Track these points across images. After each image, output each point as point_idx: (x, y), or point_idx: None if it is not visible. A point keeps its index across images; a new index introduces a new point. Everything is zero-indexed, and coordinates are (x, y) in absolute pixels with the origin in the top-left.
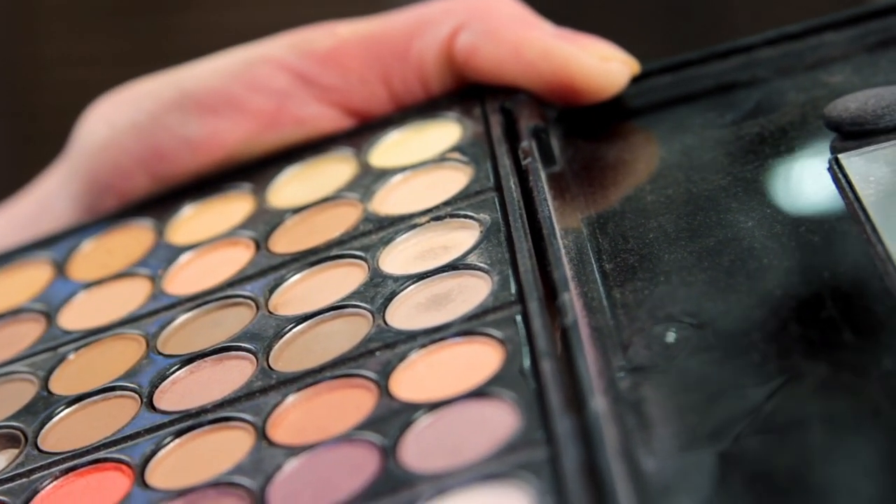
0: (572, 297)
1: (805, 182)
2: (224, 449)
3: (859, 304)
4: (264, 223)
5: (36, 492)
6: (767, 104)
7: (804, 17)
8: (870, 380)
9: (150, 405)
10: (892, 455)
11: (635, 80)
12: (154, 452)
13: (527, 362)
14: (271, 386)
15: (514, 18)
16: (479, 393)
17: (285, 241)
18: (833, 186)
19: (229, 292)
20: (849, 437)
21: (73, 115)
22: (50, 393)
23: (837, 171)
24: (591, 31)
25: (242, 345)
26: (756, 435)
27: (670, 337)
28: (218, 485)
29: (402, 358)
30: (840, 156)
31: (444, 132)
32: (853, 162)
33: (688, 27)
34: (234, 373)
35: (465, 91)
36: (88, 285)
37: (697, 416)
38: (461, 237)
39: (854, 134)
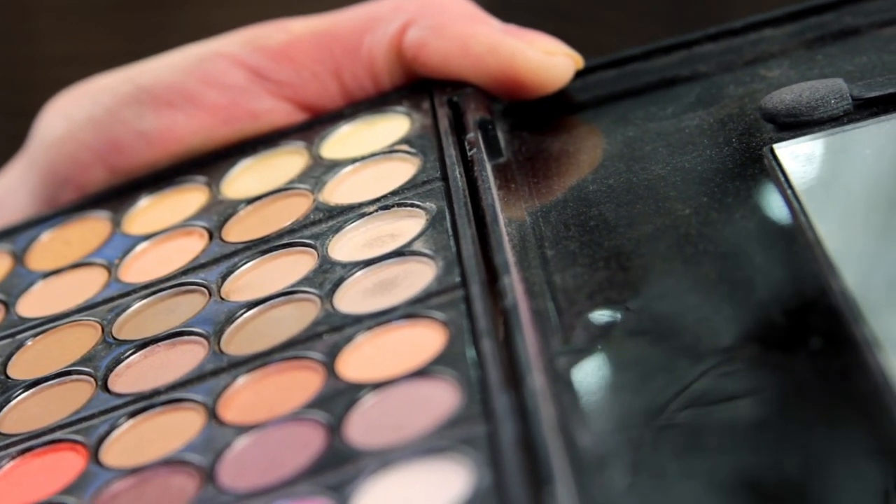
0: (513, 281)
1: (741, 171)
2: (176, 429)
3: (789, 288)
4: (218, 214)
5: None
6: (707, 97)
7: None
8: (797, 358)
9: (105, 388)
10: (814, 428)
11: (580, 75)
12: (108, 433)
13: (469, 342)
14: (222, 368)
15: (462, 15)
16: (421, 372)
17: (238, 231)
18: (768, 175)
19: (183, 280)
20: (776, 413)
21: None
22: (7, 377)
23: (772, 161)
24: (591, 17)
25: (195, 329)
26: (688, 409)
27: (607, 319)
28: (169, 462)
29: (349, 340)
30: (775, 146)
31: (394, 125)
32: (787, 151)
33: (688, 11)
34: (187, 356)
35: (415, 85)
36: (47, 275)
37: (632, 395)
38: (408, 225)
39: (789, 125)
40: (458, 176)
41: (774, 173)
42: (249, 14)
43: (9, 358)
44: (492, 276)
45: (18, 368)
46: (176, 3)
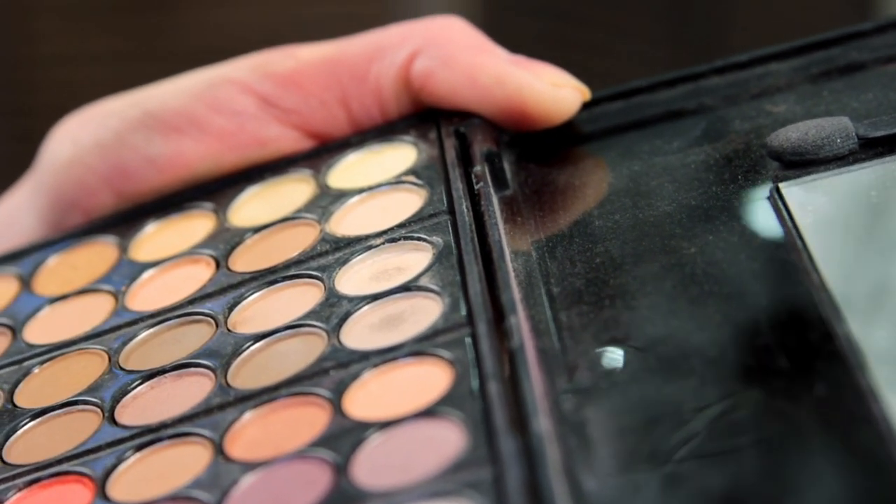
0: (519, 321)
1: (746, 210)
2: (183, 463)
3: (794, 332)
4: (225, 242)
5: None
6: (713, 132)
7: (801, 16)
8: (802, 406)
9: (112, 419)
10: (822, 478)
11: (586, 106)
12: (115, 466)
13: (475, 383)
14: (229, 402)
15: (470, 45)
16: (428, 412)
17: (245, 260)
18: (773, 215)
19: (190, 309)
20: (782, 461)
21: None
22: (14, 406)
23: (777, 200)
24: (597, 29)
25: (202, 361)
26: (694, 457)
27: (613, 360)
28: (176, 499)
29: (355, 377)
30: (780, 185)
31: (401, 155)
32: (792, 191)
33: (690, 27)
34: (194, 388)
35: (422, 115)
36: (53, 300)
37: (637, 438)
38: (414, 259)
39: (795, 163)
40: (465, 210)
41: (780, 213)
42: (248, 14)
43: (15, 385)
44: (498, 315)
45: (25, 396)
46: (175, 3)
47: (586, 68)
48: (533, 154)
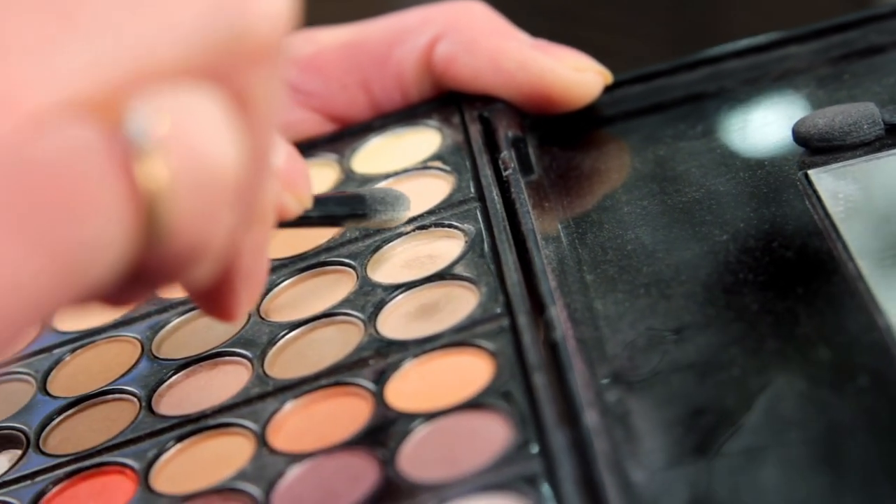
0: (559, 311)
1: (775, 197)
2: (225, 454)
3: (832, 321)
4: None
5: (42, 494)
6: (736, 116)
7: (798, 15)
8: (845, 396)
9: (150, 409)
10: (869, 467)
11: (607, 90)
12: (157, 457)
13: (518, 375)
14: (268, 392)
15: (492, 29)
16: (472, 404)
17: (274, 245)
18: (803, 201)
19: None
20: (827, 451)
21: None
22: (48, 393)
23: (807, 187)
24: (596, 28)
25: (238, 350)
26: (738, 448)
27: (652, 350)
28: (222, 490)
29: (396, 367)
30: (809, 172)
31: (424, 139)
32: (822, 178)
33: (687, 21)
34: (231, 378)
35: (443, 98)
36: None
37: (682, 430)
38: (446, 246)
39: (822, 149)
40: (496, 197)
41: (810, 199)
42: None
43: (48, 373)
44: (536, 305)
45: (59, 384)
46: None
47: None
48: (555, 137)
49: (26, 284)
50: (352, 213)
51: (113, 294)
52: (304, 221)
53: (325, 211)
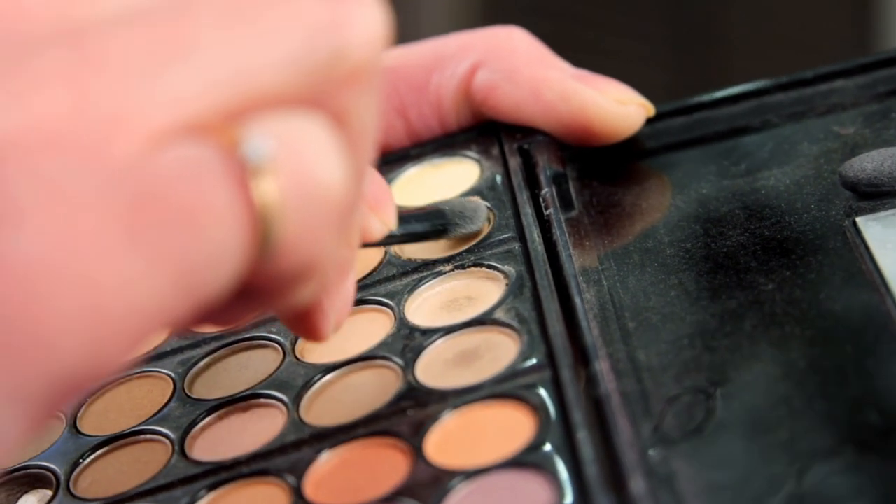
0: (603, 368)
1: (822, 244)
2: None
3: (884, 384)
4: None
5: None
6: (781, 154)
7: (797, 14)
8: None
9: (182, 453)
10: None
11: (649, 122)
12: None
13: (560, 433)
14: (304, 440)
15: (533, 57)
16: (513, 462)
17: None
18: (851, 250)
19: (254, 333)
20: None
21: None
22: (78, 431)
23: (854, 236)
24: (596, 28)
25: (272, 393)
26: None
27: (698, 408)
28: None
29: (435, 420)
30: (857, 219)
31: (462, 170)
32: (870, 227)
33: (687, 21)
34: (265, 422)
35: (482, 127)
36: None
37: (730, 496)
38: (486, 288)
39: (870, 195)
40: (537, 238)
41: (857, 249)
42: None
43: (77, 409)
44: (579, 356)
45: (88, 422)
46: None
47: (586, 68)
48: (595, 170)
49: (149, 298)
50: (433, 230)
51: (221, 313)
52: (386, 241)
53: (407, 230)
